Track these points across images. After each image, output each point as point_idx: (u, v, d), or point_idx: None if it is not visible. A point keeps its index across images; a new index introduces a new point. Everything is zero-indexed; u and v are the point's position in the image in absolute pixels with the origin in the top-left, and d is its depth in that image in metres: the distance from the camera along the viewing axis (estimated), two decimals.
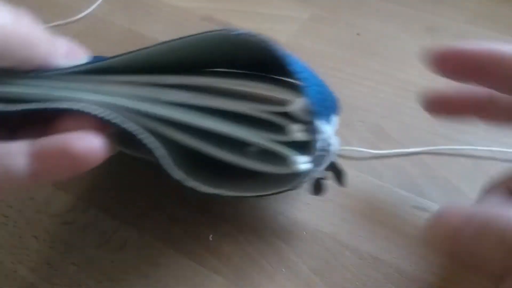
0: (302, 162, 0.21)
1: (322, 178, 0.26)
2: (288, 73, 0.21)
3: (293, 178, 0.22)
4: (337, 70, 0.40)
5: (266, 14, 0.46)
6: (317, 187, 0.26)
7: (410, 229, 0.29)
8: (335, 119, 0.26)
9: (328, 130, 0.22)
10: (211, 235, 0.29)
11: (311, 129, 0.21)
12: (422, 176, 0.32)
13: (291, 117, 0.21)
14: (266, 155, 0.22)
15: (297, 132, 0.21)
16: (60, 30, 0.43)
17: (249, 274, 0.27)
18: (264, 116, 0.21)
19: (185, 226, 0.29)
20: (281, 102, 0.21)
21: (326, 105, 0.23)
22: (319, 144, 0.21)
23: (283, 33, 0.44)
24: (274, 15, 0.46)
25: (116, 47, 0.43)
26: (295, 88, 0.21)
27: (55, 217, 0.30)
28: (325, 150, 0.22)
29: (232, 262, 0.28)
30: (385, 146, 0.34)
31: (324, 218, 0.30)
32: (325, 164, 0.23)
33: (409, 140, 0.34)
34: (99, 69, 0.22)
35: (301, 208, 0.30)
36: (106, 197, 0.31)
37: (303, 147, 0.21)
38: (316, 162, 0.22)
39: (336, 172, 0.26)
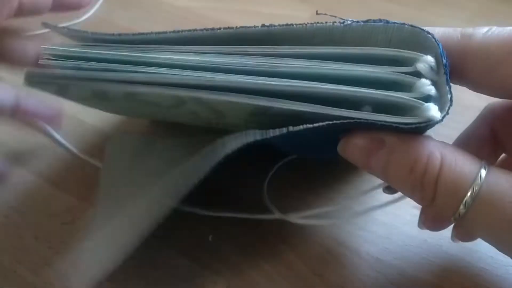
0: (434, 110, 0.20)
1: None
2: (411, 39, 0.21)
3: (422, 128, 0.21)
4: None
5: (266, 13, 0.46)
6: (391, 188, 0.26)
7: (410, 229, 0.29)
8: None
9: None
10: (210, 236, 0.29)
11: (442, 85, 0.20)
12: None
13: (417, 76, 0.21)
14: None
15: (427, 85, 0.20)
16: None
17: (249, 274, 0.27)
18: (389, 76, 0.21)
19: (185, 226, 0.29)
20: (406, 62, 0.21)
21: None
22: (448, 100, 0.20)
23: None
24: (274, 14, 0.46)
25: None
26: (419, 48, 0.21)
27: (55, 217, 0.30)
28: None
29: (232, 263, 0.28)
30: None
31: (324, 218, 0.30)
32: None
33: None
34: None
35: (301, 208, 0.30)
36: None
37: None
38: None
39: None
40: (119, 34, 0.24)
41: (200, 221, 0.29)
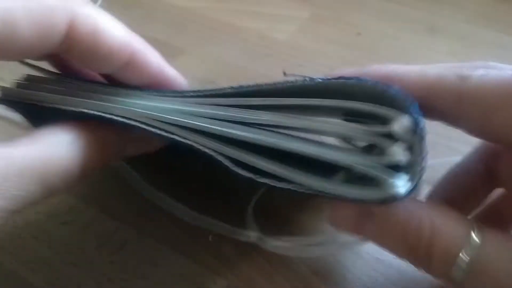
0: (402, 186, 0.19)
1: None
2: (385, 99, 0.19)
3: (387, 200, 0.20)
4: (337, 70, 0.40)
5: (266, 13, 0.46)
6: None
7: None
8: None
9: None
10: (210, 236, 0.29)
11: (417, 149, 0.19)
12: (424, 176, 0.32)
13: (391, 137, 0.19)
14: (355, 180, 0.20)
15: (399, 153, 0.19)
16: None
17: (249, 274, 0.27)
18: (362, 136, 0.20)
19: (185, 226, 0.29)
20: (382, 121, 0.19)
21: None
22: (422, 167, 0.19)
23: (283, 32, 0.44)
24: (274, 14, 0.46)
25: None
26: (395, 108, 0.19)
27: (54, 218, 0.30)
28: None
29: (232, 263, 0.28)
30: None
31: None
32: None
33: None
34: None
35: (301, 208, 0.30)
36: (105, 197, 0.31)
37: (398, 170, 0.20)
38: (416, 187, 0.19)
39: None
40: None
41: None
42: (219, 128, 0.21)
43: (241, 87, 0.21)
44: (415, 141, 0.19)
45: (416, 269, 0.27)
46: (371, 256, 0.28)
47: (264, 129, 0.21)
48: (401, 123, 0.19)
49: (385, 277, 0.27)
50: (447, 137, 0.34)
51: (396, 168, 0.19)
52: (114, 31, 0.21)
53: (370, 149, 0.21)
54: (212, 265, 0.28)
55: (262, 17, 0.45)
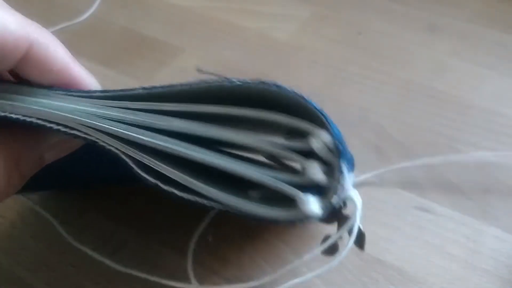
0: (313, 206, 0.18)
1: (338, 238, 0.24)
2: (306, 113, 0.18)
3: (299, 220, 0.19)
4: (338, 70, 0.40)
5: (267, 12, 0.46)
6: (332, 248, 0.24)
7: (411, 230, 0.29)
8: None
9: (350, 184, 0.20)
10: (211, 236, 0.29)
11: (333, 170, 0.18)
12: (424, 177, 0.32)
13: (308, 155, 0.18)
14: (273, 197, 0.19)
15: (315, 172, 0.18)
16: (62, 31, 0.43)
17: (249, 275, 0.27)
18: (278, 152, 0.19)
19: (185, 227, 0.29)
20: (300, 136, 0.18)
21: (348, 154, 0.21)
22: (339, 190, 0.18)
23: (283, 31, 0.43)
24: (274, 13, 0.46)
25: (115, 47, 0.43)
26: (315, 122, 0.18)
27: (53, 218, 0.30)
28: (344, 201, 0.20)
29: (232, 263, 0.28)
30: (386, 146, 0.33)
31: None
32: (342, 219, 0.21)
33: (411, 140, 0.34)
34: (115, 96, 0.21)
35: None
36: (104, 198, 0.31)
37: (317, 191, 0.19)
38: (330, 209, 0.19)
39: (359, 234, 0.23)
40: None
41: (200, 222, 0.29)
42: (125, 131, 0.19)
43: (154, 87, 0.20)
44: (333, 158, 0.18)
45: (417, 270, 0.27)
46: (372, 257, 0.28)
47: (173, 137, 0.20)
48: (321, 139, 0.18)
49: (386, 278, 0.27)
50: (449, 137, 0.34)
51: (314, 187, 0.18)
52: (6, 21, 0.19)
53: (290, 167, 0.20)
54: (212, 265, 0.27)
55: (262, 17, 0.45)
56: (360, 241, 0.24)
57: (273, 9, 0.46)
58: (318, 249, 0.23)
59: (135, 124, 0.20)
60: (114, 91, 0.20)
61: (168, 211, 0.30)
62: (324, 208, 0.18)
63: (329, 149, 0.18)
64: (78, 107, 0.20)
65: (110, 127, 0.20)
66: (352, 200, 0.21)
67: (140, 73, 0.40)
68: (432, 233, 0.29)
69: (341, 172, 0.18)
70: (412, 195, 0.31)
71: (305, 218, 0.18)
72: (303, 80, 0.39)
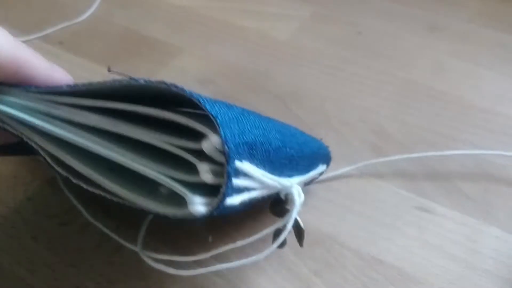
0: (198, 204, 0.19)
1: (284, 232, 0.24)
2: (203, 115, 0.19)
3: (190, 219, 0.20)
4: (338, 69, 0.40)
5: (267, 12, 0.46)
6: (281, 243, 0.25)
7: (411, 230, 0.29)
8: (313, 172, 0.26)
9: (284, 182, 0.22)
10: (210, 237, 0.29)
11: (224, 169, 0.19)
12: (424, 177, 0.32)
13: (206, 156, 0.19)
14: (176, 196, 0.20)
15: (203, 173, 0.19)
16: (63, 31, 0.43)
17: (249, 275, 0.27)
18: (174, 150, 0.19)
19: (184, 227, 0.29)
20: (195, 137, 0.19)
21: (272, 156, 0.22)
22: (229, 190, 0.19)
23: (283, 31, 0.43)
24: (274, 13, 0.46)
25: (115, 47, 0.43)
26: (210, 124, 0.19)
27: (53, 218, 0.30)
28: (285, 201, 0.22)
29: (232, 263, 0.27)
30: (386, 146, 0.33)
31: (324, 219, 0.29)
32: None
33: (411, 140, 0.34)
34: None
35: (301, 209, 0.30)
36: (104, 198, 0.30)
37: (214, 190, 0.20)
38: (222, 208, 0.19)
39: (298, 230, 0.25)
40: None
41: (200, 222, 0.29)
42: (44, 125, 0.21)
43: (75, 85, 0.21)
44: (223, 161, 0.19)
45: (417, 270, 0.27)
46: (372, 257, 0.28)
47: (91, 132, 0.21)
48: (211, 142, 0.18)
49: (386, 278, 0.27)
50: (449, 137, 0.34)
51: (205, 187, 0.19)
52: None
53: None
54: (212, 265, 0.27)
55: (262, 16, 0.45)
56: (299, 236, 0.25)
57: (273, 9, 0.46)
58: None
59: (57, 117, 0.21)
60: (46, 88, 0.22)
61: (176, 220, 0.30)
62: (211, 208, 0.19)
63: (220, 152, 0.19)
64: (22, 101, 0.22)
65: (33, 121, 0.21)
66: (292, 196, 0.23)
67: (140, 73, 0.40)
68: (432, 233, 0.29)
69: (229, 174, 0.18)
70: (412, 195, 0.31)
71: (191, 217, 0.19)
72: (303, 79, 0.39)
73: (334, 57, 0.41)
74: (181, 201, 0.19)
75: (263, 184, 0.22)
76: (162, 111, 0.20)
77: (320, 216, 0.30)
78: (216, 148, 0.18)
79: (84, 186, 0.22)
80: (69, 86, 0.21)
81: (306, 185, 0.28)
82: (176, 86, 0.19)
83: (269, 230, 0.23)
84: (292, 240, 0.28)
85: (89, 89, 0.21)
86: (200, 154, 0.19)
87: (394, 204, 0.30)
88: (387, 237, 0.28)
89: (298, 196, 0.23)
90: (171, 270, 0.24)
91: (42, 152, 0.22)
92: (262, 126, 0.22)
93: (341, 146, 0.33)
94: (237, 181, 0.19)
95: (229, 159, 0.18)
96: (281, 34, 0.43)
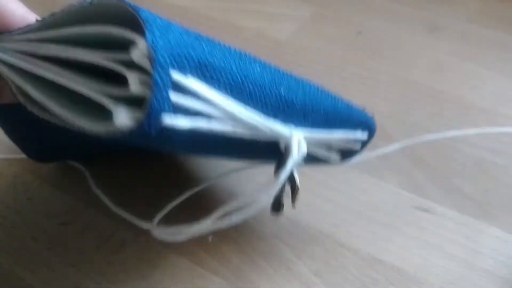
0: (125, 117, 0.17)
1: (281, 195, 0.24)
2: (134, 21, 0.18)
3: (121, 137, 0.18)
4: (338, 69, 0.40)
5: (267, 12, 0.46)
6: (276, 205, 0.24)
7: (411, 230, 0.29)
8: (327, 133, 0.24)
9: (290, 134, 0.21)
10: (210, 236, 0.29)
11: (153, 77, 0.17)
12: (424, 177, 0.32)
13: (136, 67, 0.17)
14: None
15: (131, 83, 0.17)
16: None
17: (249, 275, 0.27)
18: (107, 64, 0.18)
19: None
20: (123, 46, 0.17)
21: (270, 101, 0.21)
22: (162, 103, 0.17)
23: (283, 31, 0.43)
24: (274, 13, 0.46)
25: None
26: (139, 30, 0.17)
27: (53, 218, 0.30)
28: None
29: (232, 263, 0.27)
30: (387, 146, 0.33)
31: (324, 219, 0.29)
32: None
33: (411, 140, 0.34)
34: None
35: (301, 209, 0.30)
36: (104, 197, 0.30)
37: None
38: (160, 128, 0.17)
39: (292, 187, 0.24)
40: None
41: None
42: (16, 60, 0.20)
43: (43, 19, 0.20)
44: (151, 69, 0.17)
45: (417, 270, 0.27)
46: (372, 257, 0.28)
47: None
48: (140, 50, 0.17)
49: (386, 278, 0.27)
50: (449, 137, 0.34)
51: (135, 100, 0.17)
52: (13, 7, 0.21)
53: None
54: (212, 266, 0.27)
55: (262, 16, 0.45)
56: (293, 194, 0.24)
57: (273, 9, 0.46)
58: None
59: (26, 53, 0.20)
60: (25, 27, 0.21)
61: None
62: (137, 120, 0.17)
63: (148, 60, 0.17)
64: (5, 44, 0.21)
65: (8, 58, 0.20)
66: (290, 146, 0.21)
67: None
68: (432, 233, 0.29)
69: (156, 82, 0.17)
70: (412, 195, 0.31)
71: (117, 130, 0.17)
72: None
73: (334, 57, 0.41)
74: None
75: (231, 115, 0.19)
76: (89, 26, 0.18)
77: (320, 216, 0.30)
78: (146, 55, 0.17)
79: (36, 112, 0.20)
80: (37, 20, 0.21)
81: (344, 158, 0.27)
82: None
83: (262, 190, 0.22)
84: (292, 240, 0.29)
85: (53, 20, 0.20)
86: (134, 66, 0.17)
87: (394, 204, 0.30)
88: (387, 237, 0.28)
89: (297, 146, 0.22)
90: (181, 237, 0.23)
91: (8, 81, 0.20)
92: (228, 54, 0.20)
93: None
94: (179, 98, 0.17)
95: (155, 64, 0.16)
96: (281, 34, 0.43)
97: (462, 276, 0.27)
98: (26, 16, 0.22)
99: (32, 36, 0.20)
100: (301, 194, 0.30)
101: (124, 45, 0.17)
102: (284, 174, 0.21)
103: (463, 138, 0.34)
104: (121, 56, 0.17)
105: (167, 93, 0.17)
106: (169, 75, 0.17)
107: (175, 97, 0.17)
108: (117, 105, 0.17)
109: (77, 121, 0.18)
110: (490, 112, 0.36)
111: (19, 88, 0.21)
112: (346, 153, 0.27)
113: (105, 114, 0.18)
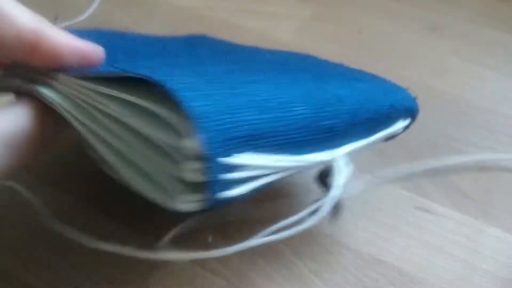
0: (188, 202, 0.19)
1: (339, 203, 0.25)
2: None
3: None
4: None
5: (267, 12, 0.46)
6: (336, 211, 0.25)
7: (412, 230, 0.29)
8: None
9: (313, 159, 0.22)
10: (210, 236, 0.28)
11: (206, 171, 0.18)
12: (424, 176, 0.32)
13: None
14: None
15: (188, 172, 0.18)
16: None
17: (249, 275, 0.27)
18: (162, 144, 0.19)
19: (184, 227, 0.29)
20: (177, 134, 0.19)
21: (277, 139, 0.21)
22: (217, 187, 0.18)
23: (283, 31, 0.43)
24: (274, 13, 0.46)
25: None
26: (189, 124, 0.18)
27: (53, 218, 0.30)
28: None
29: (232, 264, 0.27)
30: (387, 146, 0.33)
31: (325, 219, 0.29)
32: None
33: (410, 140, 0.34)
34: None
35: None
36: (105, 197, 0.30)
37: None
38: (218, 202, 0.19)
39: (336, 207, 0.25)
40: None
41: (199, 222, 0.29)
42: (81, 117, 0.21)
43: (96, 69, 0.22)
44: (205, 161, 0.18)
45: (418, 270, 0.27)
46: (372, 257, 0.28)
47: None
48: (189, 144, 0.18)
49: (386, 278, 0.27)
50: (449, 137, 0.34)
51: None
52: (20, 15, 0.21)
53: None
54: (212, 265, 0.27)
55: (262, 16, 0.45)
56: (335, 212, 0.25)
57: (273, 9, 0.46)
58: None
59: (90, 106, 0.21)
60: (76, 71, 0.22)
61: (169, 211, 0.30)
62: (198, 205, 0.19)
63: (201, 154, 0.18)
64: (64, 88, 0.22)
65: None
66: (333, 170, 0.23)
67: None
68: (432, 233, 0.29)
69: (210, 172, 0.18)
70: (412, 195, 0.31)
71: (179, 210, 0.19)
72: None
73: (334, 56, 0.41)
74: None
75: (282, 168, 0.21)
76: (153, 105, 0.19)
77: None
78: (198, 148, 0.18)
79: (104, 170, 0.23)
80: (90, 71, 0.21)
81: (386, 139, 0.27)
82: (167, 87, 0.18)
83: (307, 211, 0.23)
84: (292, 240, 0.28)
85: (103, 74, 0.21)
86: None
87: (394, 204, 0.30)
88: (388, 237, 0.28)
89: (341, 168, 0.22)
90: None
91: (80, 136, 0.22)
92: (279, 106, 0.21)
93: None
94: (233, 176, 0.19)
95: (208, 160, 0.17)
96: (281, 34, 0.43)
97: (462, 277, 0.27)
98: (74, 42, 0.22)
99: (88, 85, 0.21)
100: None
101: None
102: (331, 200, 0.22)
103: (463, 138, 0.34)
104: (174, 142, 0.18)
105: (221, 177, 0.18)
106: (221, 164, 0.18)
107: (229, 176, 0.19)
108: (177, 191, 0.19)
109: (142, 189, 0.20)
110: (491, 112, 0.36)
111: (87, 144, 0.21)
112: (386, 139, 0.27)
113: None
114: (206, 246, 0.28)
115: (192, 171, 0.18)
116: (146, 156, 0.20)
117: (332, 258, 0.28)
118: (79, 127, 0.21)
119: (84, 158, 0.33)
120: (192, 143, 0.18)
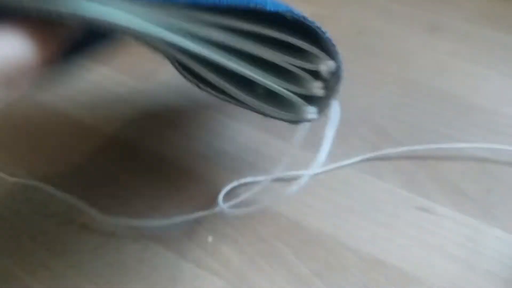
0: (312, 113, 0.24)
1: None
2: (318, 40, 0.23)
3: (296, 121, 0.25)
4: None
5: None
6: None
7: (412, 231, 0.29)
8: None
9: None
10: (210, 237, 0.28)
11: (332, 90, 0.24)
12: (425, 177, 0.32)
13: (313, 73, 0.23)
14: (272, 95, 0.24)
15: (318, 89, 0.24)
16: None
17: (249, 276, 0.27)
18: (292, 68, 0.23)
19: (184, 227, 0.29)
20: (312, 60, 0.23)
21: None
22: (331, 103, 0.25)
23: None
24: None
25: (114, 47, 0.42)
26: (325, 51, 0.23)
27: (52, 219, 0.30)
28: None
29: (232, 264, 0.27)
30: (387, 146, 0.33)
31: (325, 219, 0.29)
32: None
33: (411, 140, 0.34)
34: None
35: (302, 210, 0.30)
36: (104, 198, 0.30)
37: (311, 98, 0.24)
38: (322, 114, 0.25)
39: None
40: None
41: (200, 222, 0.29)
42: (173, 37, 0.21)
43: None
44: (332, 81, 0.24)
45: (418, 270, 0.27)
46: (372, 257, 0.28)
47: (212, 46, 0.22)
48: (327, 66, 0.23)
49: (386, 278, 0.27)
50: (449, 137, 0.34)
51: (310, 97, 0.24)
52: None
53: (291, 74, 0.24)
54: (212, 265, 0.27)
55: None
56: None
57: None
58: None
59: (181, 30, 0.21)
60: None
61: (168, 210, 0.30)
62: (319, 115, 0.25)
63: (331, 75, 0.24)
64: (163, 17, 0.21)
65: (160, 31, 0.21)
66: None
67: (139, 73, 0.40)
68: (432, 233, 0.29)
69: (336, 91, 0.25)
70: (413, 195, 0.31)
71: (304, 120, 0.25)
72: None
73: None
74: (283, 103, 0.24)
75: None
76: (284, 35, 0.23)
77: (321, 216, 0.29)
78: (331, 71, 0.23)
79: (213, 92, 0.25)
80: None
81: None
82: (304, 17, 0.24)
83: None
84: (293, 240, 0.28)
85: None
86: (305, 70, 0.23)
87: (394, 204, 0.30)
88: (388, 237, 0.28)
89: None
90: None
91: (172, 60, 0.24)
92: None
93: (341, 146, 0.33)
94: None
95: (339, 80, 0.24)
96: None
97: (462, 277, 0.27)
98: None
99: (202, 17, 0.21)
100: (302, 193, 0.29)
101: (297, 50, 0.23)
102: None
103: (463, 138, 0.34)
104: (304, 64, 0.23)
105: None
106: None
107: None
108: (306, 105, 0.24)
109: (261, 107, 0.24)
110: (491, 112, 0.36)
111: (188, 69, 0.23)
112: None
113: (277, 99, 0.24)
114: (206, 246, 0.28)
115: (320, 89, 0.24)
116: (266, 75, 0.23)
117: (332, 258, 0.28)
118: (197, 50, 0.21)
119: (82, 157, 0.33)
120: (329, 66, 0.23)
